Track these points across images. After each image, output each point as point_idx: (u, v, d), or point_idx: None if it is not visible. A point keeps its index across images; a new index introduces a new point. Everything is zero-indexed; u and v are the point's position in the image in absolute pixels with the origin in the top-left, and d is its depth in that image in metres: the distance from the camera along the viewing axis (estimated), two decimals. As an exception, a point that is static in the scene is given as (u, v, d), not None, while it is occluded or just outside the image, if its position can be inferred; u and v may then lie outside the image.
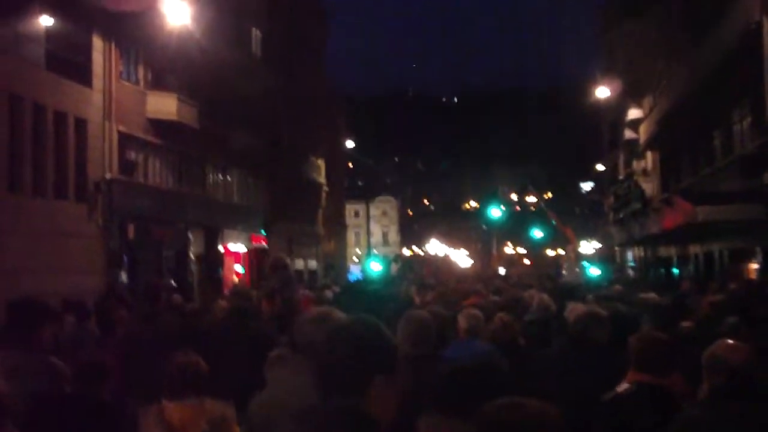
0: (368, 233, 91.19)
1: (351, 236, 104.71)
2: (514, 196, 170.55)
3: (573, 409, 3.79)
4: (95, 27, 30.68)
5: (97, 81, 31.03)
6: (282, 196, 49.27)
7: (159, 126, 35.09)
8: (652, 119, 39.24)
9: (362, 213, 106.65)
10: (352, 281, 42.57)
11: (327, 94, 65.02)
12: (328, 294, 19.37)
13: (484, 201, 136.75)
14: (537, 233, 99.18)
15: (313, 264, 61.12)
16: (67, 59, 29.17)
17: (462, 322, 8.08)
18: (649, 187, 43.07)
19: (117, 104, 32.17)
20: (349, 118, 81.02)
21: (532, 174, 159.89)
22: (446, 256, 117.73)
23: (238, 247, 44.74)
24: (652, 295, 15.03)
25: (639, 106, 45.80)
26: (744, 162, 24.76)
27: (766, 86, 22.45)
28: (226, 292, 32.54)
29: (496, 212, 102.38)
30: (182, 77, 36.12)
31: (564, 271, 56.93)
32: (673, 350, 5.90)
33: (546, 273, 49.97)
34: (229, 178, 45.04)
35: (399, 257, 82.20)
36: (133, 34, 32.46)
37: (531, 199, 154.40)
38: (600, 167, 71.72)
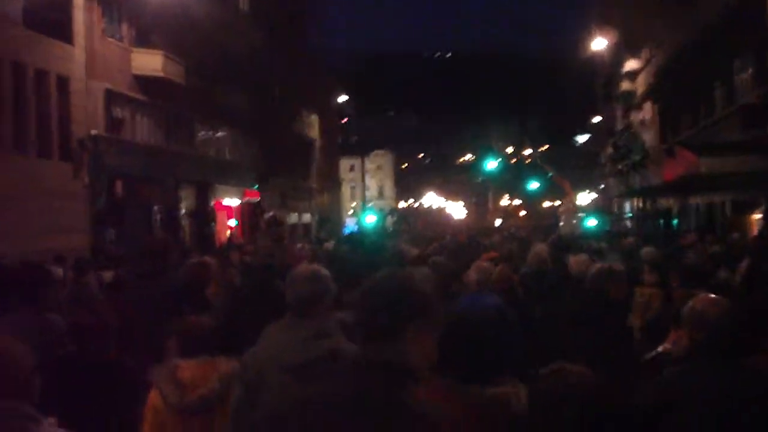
0: (363, 187, 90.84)
1: (347, 190, 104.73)
2: (509, 149, 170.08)
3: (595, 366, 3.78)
4: (74, -18, 29.81)
5: (79, 38, 30.17)
6: (274, 152, 48.61)
7: (145, 83, 34.37)
8: (650, 70, 38.56)
9: (357, 167, 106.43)
10: (347, 234, 42.19)
11: (319, 49, 64.12)
12: (328, 247, 19.35)
13: (480, 154, 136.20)
14: (533, 185, 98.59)
15: (306, 218, 60.90)
16: (46, 16, 28.21)
17: (472, 274, 8.25)
18: (647, 138, 42.35)
19: (101, 61, 31.42)
20: (344, 73, 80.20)
21: (528, 127, 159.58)
22: (441, 209, 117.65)
23: (231, 202, 44.20)
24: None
25: (636, 57, 45.03)
26: (745, 112, 24.07)
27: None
28: (218, 246, 32.20)
29: (492, 164, 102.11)
30: (167, 34, 35.17)
31: (561, 223, 56.62)
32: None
33: (539, 225, 49.54)
34: (219, 135, 44.33)
35: (395, 210, 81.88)
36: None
37: (527, 151, 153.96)
38: (596, 119, 70.95)
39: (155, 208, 35.84)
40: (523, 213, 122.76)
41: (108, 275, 13.85)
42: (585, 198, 70.17)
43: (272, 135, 47.79)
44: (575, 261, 10.97)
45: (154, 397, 5.49)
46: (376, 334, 3.15)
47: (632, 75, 45.04)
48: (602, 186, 71.81)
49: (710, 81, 31.16)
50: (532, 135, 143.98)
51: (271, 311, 5.16)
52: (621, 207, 59.67)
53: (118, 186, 31.75)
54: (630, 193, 46.18)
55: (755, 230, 26.17)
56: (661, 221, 42.34)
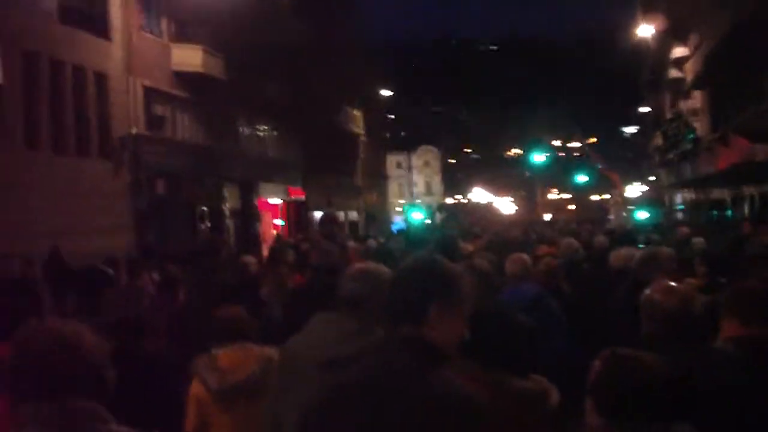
0: (410, 183, 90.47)
1: (394, 187, 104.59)
2: (557, 143, 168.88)
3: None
4: (111, -22, 29.52)
5: (117, 34, 29.87)
6: (318, 149, 48.20)
7: (185, 79, 34.04)
8: (699, 56, 37.45)
9: (405, 164, 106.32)
10: (395, 231, 41.67)
11: (363, 43, 63.65)
12: (372, 243, 19.19)
13: (527, 147, 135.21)
14: (581, 178, 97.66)
15: (353, 215, 60.49)
16: (82, 11, 27.98)
17: (509, 266, 8.34)
18: (697, 127, 41.33)
19: (139, 57, 31.07)
20: (389, 67, 79.69)
21: (575, 120, 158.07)
22: (490, 204, 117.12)
23: (275, 200, 43.86)
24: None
25: (684, 44, 43.97)
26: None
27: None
28: (264, 246, 31.86)
29: (539, 157, 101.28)
30: (207, 29, 34.81)
31: (611, 216, 56.01)
32: None
33: (588, 218, 48.82)
34: (262, 131, 43.96)
35: (443, 206, 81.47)
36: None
37: (574, 144, 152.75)
38: (643, 109, 69.81)
39: (198, 207, 35.53)
40: (571, 207, 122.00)
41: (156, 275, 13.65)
42: (634, 190, 69.14)
43: (316, 131, 47.38)
44: (615, 255, 10.81)
45: (195, 387, 5.79)
46: (401, 313, 3.26)
47: (680, 62, 43.99)
48: (652, 178, 70.87)
49: (763, 65, 30.18)
50: (580, 127, 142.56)
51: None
52: (672, 198, 58.70)
53: (160, 185, 31.43)
54: (681, 184, 45.25)
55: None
56: (714, 212, 41.44)
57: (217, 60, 35.38)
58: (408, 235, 25.77)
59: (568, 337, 7.44)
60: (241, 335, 5.89)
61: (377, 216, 65.66)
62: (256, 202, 40.98)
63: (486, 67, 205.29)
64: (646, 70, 61.62)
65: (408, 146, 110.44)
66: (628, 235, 19.65)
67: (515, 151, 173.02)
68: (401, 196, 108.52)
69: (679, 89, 46.72)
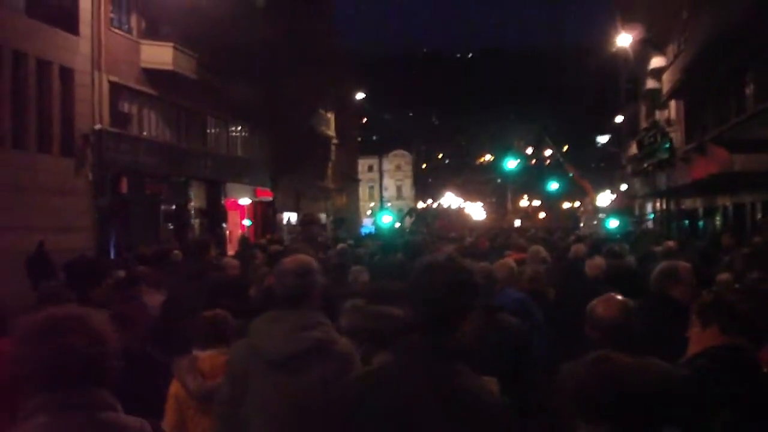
0: (381, 187, 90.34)
1: (365, 190, 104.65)
2: (529, 150, 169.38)
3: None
4: (81, -29, 28.68)
5: (85, 28, 29.17)
6: (289, 150, 47.50)
7: (154, 76, 33.37)
8: (676, 67, 37.20)
9: (376, 167, 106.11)
10: (363, 234, 41.13)
11: (337, 47, 63.06)
12: (343, 247, 18.65)
13: (499, 154, 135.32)
14: (553, 185, 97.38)
15: (322, 218, 59.76)
16: (51, 5, 27.20)
17: (497, 272, 8.42)
18: (673, 137, 41.03)
19: (107, 53, 30.37)
20: (363, 71, 79.25)
21: (548, 127, 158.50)
22: (460, 209, 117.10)
23: (243, 200, 43.18)
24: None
25: (662, 54, 43.74)
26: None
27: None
28: (229, 246, 31.26)
29: (512, 163, 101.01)
30: (179, 26, 34.20)
31: (581, 224, 55.75)
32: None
33: (559, 226, 48.55)
34: (232, 131, 43.25)
35: (413, 210, 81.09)
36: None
37: (547, 152, 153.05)
38: (619, 119, 69.71)
39: (163, 206, 34.80)
40: (542, 214, 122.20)
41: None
42: (605, 199, 68.83)
43: (287, 132, 46.67)
44: (591, 264, 11.02)
45: (175, 387, 5.84)
46: (439, 324, 3.28)
47: (657, 72, 43.75)
48: (623, 187, 70.76)
49: (741, 75, 29.88)
50: (553, 135, 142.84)
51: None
52: (643, 208, 58.55)
53: (124, 183, 30.65)
54: (656, 194, 44.96)
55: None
56: (686, 222, 41.18)
57: (187, 58, 34.71)
58: (383, 239, 25.31)
59: (549, 343, 7.61)
60: (223, 338, 5.90)
61: (346, 219, 65.11)
62: (224, 202, 40.19)
63: (460, 75, 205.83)
64: (622, 80, 61.54)
65: (380, 150, 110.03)
66: (599, 244, 19.24)
67: (487, 158, 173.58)
68: (372, 200, 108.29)
69: (656, 99, 46.51)
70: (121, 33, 32.06)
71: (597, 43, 64.79)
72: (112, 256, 26.55)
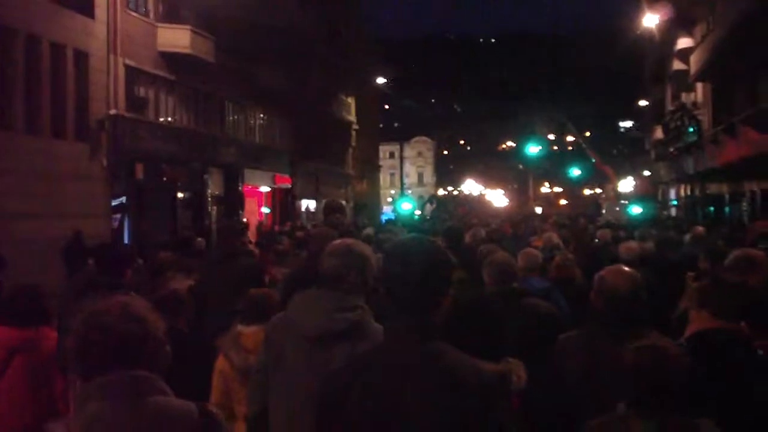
0: (402, 173, 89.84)
1: (386, 177, 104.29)
2: (551, 136, 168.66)
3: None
4: (96, -48, 28.09)
5: (101, 11, 28.57)
6: (309, 135, 46.94)
7: (172, 60, 32.80)
8: (704, 47, 36.32)
9: (398, 154, 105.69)
10: (384, 221, 40.51)
11: (360, 31, 62.39)
12: (369, 231, 19.10)
13: (522, 140, 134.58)
14: (575, 172, 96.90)
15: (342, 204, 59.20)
16: (65, -13, 26.61)
17: (520, 261, 8.41)
18: (701, 120, 40.21)
19: (123, 36, 29.76)
20: (385, 58, 78.70)
21: (571, 114, 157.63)
22: (481, 196, 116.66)
23: (262, 187, 42.62)
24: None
25: (690, 34, 42.84)
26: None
27: None
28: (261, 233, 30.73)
29: (534, 149, 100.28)
30: (197, 9, 33.57)
31: (603, 210, 55.15)
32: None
33: (581, 213, 48.05)
34: (251, 116, 42.65)
35: (434, 197, 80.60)
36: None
37: (569, 138, 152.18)
38: (643, 103, 68.78)
39: (180, 193, 34.34)
40: (563, 201, 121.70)
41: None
42: (627, 185, 68.13)
43: (307, 117, 46.09)
44: (625, 247, 10.85)
45: (221, 363, 6.19)
46: (415, 304, 3.23)
47: (684, 53, 42.84)
48: (646, 173, 70.02)
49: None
50: (576, 121, 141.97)
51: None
52: (666, 194, 57.83)
53: (139, 169, 30.16)
54: (683, 178, 44.19)
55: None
56: (712, 208, 40.46)
57: (206, 41, 34.03)
58: (406, 225, 25.15)
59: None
60: (266, 315, 5.74)
61: (367, 205, 64.53)
62: (241, 189, 39.58)
63: (483, 60, 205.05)
64: (648, 63, 60.63)
65: (402, 136, 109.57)
66: (630, 229, 19.18)
67: (509, 144, 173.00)
68: (393, 187, 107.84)
69: (682, 81, 45.65)
70: (138, 16, 31.44)
71: (622, 25, 63.95)
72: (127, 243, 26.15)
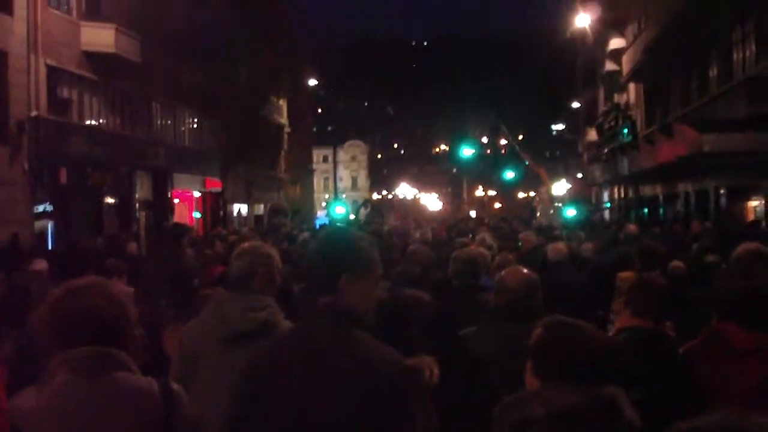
0: (335, 177, 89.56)
1: (320, 181, 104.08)
2: (484, 139, 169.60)
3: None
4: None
5: (20, 8, 27.52)
6: (239, 138, 46.00)
7: (96, 60, 31.77)
8: (636, 47, 36.42)
9: (331, 158, 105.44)
10: (318, 226, 39.91)
11: (290, 32, 61.57)
12: (306, 236, 19.49)
13: (455, 143, 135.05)
14: (509, 174, 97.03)
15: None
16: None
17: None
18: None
19: (44, 35, 28.73)
20: (317, 60, 78.20)
21: (503, 116, 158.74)
22: (416, 200, 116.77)
23: (191, 192, 41.71)
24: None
25: (621, 35, 42.96)
26: (753, 85, 21.84)
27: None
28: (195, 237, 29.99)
29: (467, 151, 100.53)
30: (121, 6, 32.63)
31: (537, 213, 55.14)
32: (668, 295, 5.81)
33: (516, 216, 48.10)
34: (179, 118, 41.72)
35: (368, 202, 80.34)
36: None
37: (502, 141, 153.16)
38: (575, 105, 69.10)
39: (106, 198, 33.39)
40: (497, 204, 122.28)
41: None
42: (560, 188, 68.32)
43: (237, 119, 45.17)
44: (553, 249, 11.26)
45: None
46: (316, 284, 3.52)
47: (617, 54, 42.99)
48: (579, 175, 70.33)
49: (704, 55, 29.04)
50: (509, 124, 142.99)
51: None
52: (600, 196, 58.00)
53: (63, 174, 29.16)
54: (617, 180, 44.24)
55: (751, 217, 24.48)
56: (646, 210, 40.49)
57: (131, 40, 33.09)
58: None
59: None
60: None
61: (300, 210, 63.87)
62: (171, 194, 38.65)
63: (415, 63, 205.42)
64: (580, 64, 60.93)
65: (335, 140, 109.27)
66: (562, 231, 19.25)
67: (442, 148, 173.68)
68: (327, 191, 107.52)
69: (614, 82, 45.81)
70: (60, 13, 30.43)
71: (555, 27, 64.19)
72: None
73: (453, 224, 31.33)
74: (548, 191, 66.92)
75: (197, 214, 42.83)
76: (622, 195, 48.56)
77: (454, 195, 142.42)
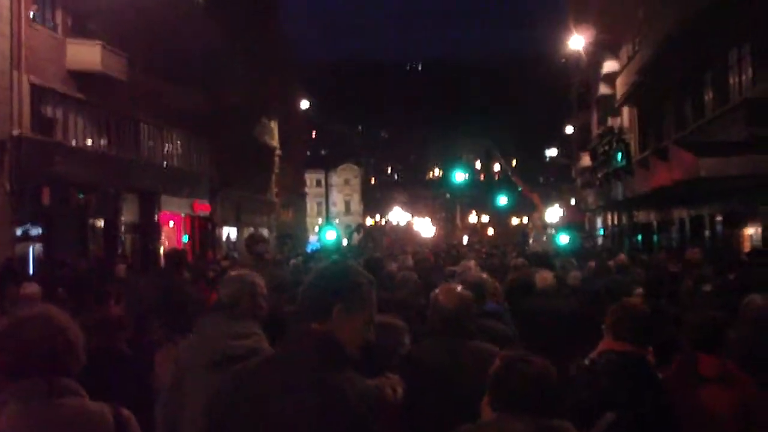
0: (327, 202, 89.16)
1: (312, 206, 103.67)
2: (478, 164, 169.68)
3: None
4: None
5: (3, 24, 27.01)
6: (229, 160, 45.45)
7: (82, 79, 31.18)
8: (630, 70, 36.00)
9: (324, 182, 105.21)
10: (310, 252, 39.34)
11: (282, 53, 61.19)
12: (296, 262, 20.04)
13: (449, 168, 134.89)
14: (502, 200, 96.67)
15: (264, 233, 57.70)
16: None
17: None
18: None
19: (28, 51, 28.18)
20: (309, 82, 78.08)
21: (497, 141, 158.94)
22: (408, 225, 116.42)
23: (179, 214, 41.05)
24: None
25: (615, 57, 42.62)
26: (751, 107, 21.35)
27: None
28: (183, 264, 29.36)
29: (460, 176, 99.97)
30: (109, 23, 32.07)
31: (531, 240, 54.69)
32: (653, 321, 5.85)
33: (509, 242, 47.72)
34: (168, 139, 41.09)
35: (361, 227, 79.98)
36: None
37: (496, 166, 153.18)
38: (569, 129, 68.80)
39: (91, 220, 32.70)
40: (491, 230, 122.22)
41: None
42: (554, 214, 67.93)
43: (227, 141, 44.60)
44: (540, 277, 11.08)
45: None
46: (309, 311, 3.52)
47: (611, 77, 42.65)
48: (573, 201, 69.98)
49: (700, 78, 28.61)
50: (502, 149, 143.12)
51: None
52: (593, 222, 57.59)
53: (46, 194, 28.46)
54: (611, 205, 43.81)
55: (747, 245, 23.98)
56: (640, 237, 40.06)
57: (118, 59, 32.54)
58: (329, 255, 25.27)
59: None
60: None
61: (291, 235, 63.20)
62: (158, 216, 37.97)
63: (410, 87, 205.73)
64: (574, 88, 60.68)
65: (328, 164, 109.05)
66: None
67: (436, 173, 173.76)
68: (320, 215, 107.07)
69: (608, 106, 45.47)
70: (45, 30, 29.89)
71: (549, 51, 64.20)
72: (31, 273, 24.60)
73: (444, 249, 31.18)
74: (541, 217, 66.58)
75: (185, 238, 42.15)
76: (616, 221, 48.12)
77: (448, 220, 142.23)
